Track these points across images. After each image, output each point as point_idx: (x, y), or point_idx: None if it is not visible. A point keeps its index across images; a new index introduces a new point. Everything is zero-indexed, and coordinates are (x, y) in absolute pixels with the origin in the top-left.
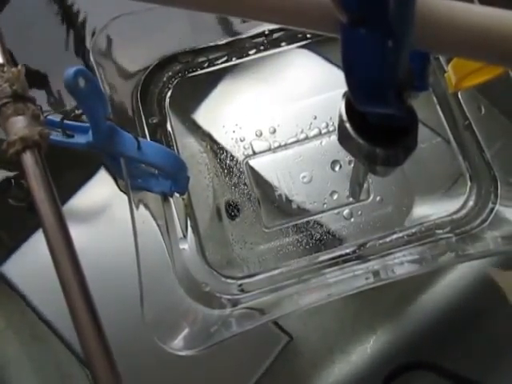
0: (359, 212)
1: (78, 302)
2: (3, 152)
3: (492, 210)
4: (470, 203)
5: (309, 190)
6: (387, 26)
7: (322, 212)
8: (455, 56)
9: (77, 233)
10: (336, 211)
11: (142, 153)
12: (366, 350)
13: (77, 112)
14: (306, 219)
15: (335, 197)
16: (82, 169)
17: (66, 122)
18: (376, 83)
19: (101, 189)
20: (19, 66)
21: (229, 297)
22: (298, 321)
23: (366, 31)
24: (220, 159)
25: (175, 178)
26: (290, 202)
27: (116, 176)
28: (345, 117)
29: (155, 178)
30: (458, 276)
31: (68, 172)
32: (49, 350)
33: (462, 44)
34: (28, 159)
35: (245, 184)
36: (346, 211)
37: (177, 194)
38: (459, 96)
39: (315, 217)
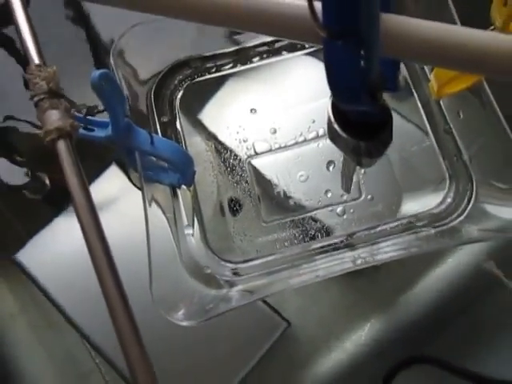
0: (351, 209)
1: (105, 274)
2: (41, 139)
3: (467, 205)
4: (449, 199)
5: (305, 188)
6: (359, 39)
7: (317, 209)
8: (415, 62)
9: None
10: (330, 208)
11: (155, 147)
12: (360, 337)
13: (99, 109)
14: (302, 215)
15: (329, 195)
16: (94, 164)
17: (88, 117)
18: (351, 85)
19: (111, 183)
20: (54, 67)
21: (227, 278)
22: (297, 310)
23: (342, 43)
24: (224, 158)
25: (183, 171)
26: (287, 198)
27: (130, 168)
28: (332, 116)
29: (165, 171)
30: (449, 269)
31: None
32: (59, 335)
33: (419, 52)
34: (62, 146)
35: (246, 182)
36: (339, 208)
37: (184, 187)
38: (441, 103)
39: (310, 213)
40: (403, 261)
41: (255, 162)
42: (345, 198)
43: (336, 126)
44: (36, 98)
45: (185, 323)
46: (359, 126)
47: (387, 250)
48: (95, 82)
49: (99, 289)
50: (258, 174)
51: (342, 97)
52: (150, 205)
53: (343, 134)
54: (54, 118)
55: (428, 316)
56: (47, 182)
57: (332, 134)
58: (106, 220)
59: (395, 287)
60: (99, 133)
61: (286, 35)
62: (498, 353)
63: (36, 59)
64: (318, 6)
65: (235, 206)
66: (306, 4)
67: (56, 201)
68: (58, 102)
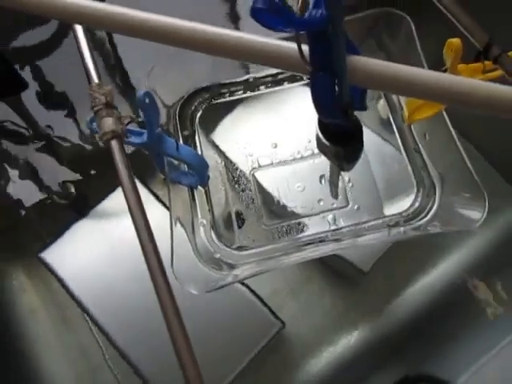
0: (340, 216)
1: (150, 251)
2: (99, 139)
3: (431, 209)
4: (416, 204)
5: (301, 197)
6: (334, 72)
7: (311, 215)
8: (373, 89)
9: (111, 225)
10: (322, 215)
11: (179, 153)
12: (349, 342)
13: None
14: (298, 220)
15: (321, 203)
16: (115, 175)
17: (128, 127)
18: (329, 104)
19: None
20: (110, 86)
21: (229, 261)
22: (292, 317)
23: (322, 74)
24: (232, 169)
25: (200, 173)
26: (285, 206)
27: (159, 170)
28: (318, 130)
29: (185, 174)
30: (431, 280)
31: (104, 177)
32: (74, 330)
33: (373, 82)
34: (115, 145)
35: (250, 190)
36: (329, 216)
37: (200, 188)
38: (412, 127)
39: (305, 218)
40: (390, 273)
41: (258, 173)
42: (335, 206)
43: (322, 137)
44: (96, 108)
45: (195, 292)
46: (338, 136)
47: (364, 244)
48: (140, 98)
49: (118, 286)
50: (260, 184)
51: (323, 113)
52: (172, 204)
53: (327, 143)
54: (110, 123)
55: (411, 323)
56: (73, 189)
57: (319, 144)
58: (127, 224)
59: (381, 297)
60: (136, 139)
61: (284, 68)
62: (475, 358)
63: (96, 79)
64: (305, 48)
65: (239, 213)
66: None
67: (79, 206)
68: (112, 111)
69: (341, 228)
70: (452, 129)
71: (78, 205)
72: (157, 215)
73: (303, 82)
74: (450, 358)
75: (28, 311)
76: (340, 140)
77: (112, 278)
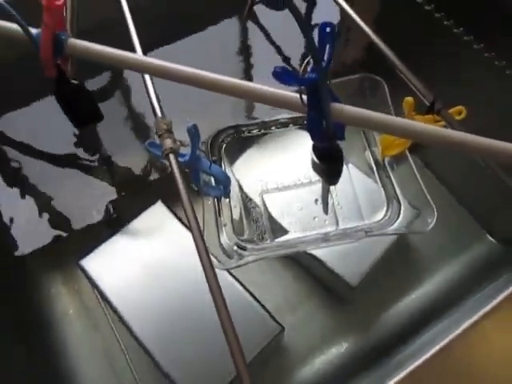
0: (330, 231)
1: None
2: (161, 154)
3: (396, 221)
4: (386, 217)
5: (300, 215)
6: (322, 112)
7: (307, 229)
8: (347, 124)
9: (144, 239)
10: (316, 231)
11: (211, 170)
12: (339, 352)
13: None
14: (296, 233)
15: (316, 220)
16: (143, 199)
17: None
18: (318, 133)
19: (157, 215)
20: (169, 119)
21: (239, 252)
22: (290, 329)
23: (314, 113)
24: (246, 191)
25: (224, 186)
26: (286, 221)
27: (194, 184)
28: (312, 152)
29: (213, 188)
30: (417, 296)
31: (135, 199)
32: (100, 335)
33: (347, 120)
34: (173, 158)
35: (259, 207)
36: (322, 230)
37: (223, 198)
38: (384, 160)
39: (303, 231)
40: (377, 288)
41: (266, 195)
42: (326, 222)
43: (314, 158)
44: (159, 133)
45: (218, 267)
46: (325, 156)
47: (346, 242)
48: (189, 128)
49: (149, 293)
50: (267, 204)
51: (314, 139)
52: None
53: (317, 161)
54: (169, 142)
55: (397, 335)
56: (111, 209)
57: (313, 164)
58: (158, 238)
59: (369, 311)
60: (181, 158)
61: (290, 109)
62: None
63: (159, 114)
64: (304, 97)
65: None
66: (298, 95)
67: (115, 223)
68: (171, 135)
69: (329, 232)
70: (412, 163)
71: (114, 222)
72: (179, 233)
73: (303, 126)
74: None
75: (62, 314)
76: (326, 159)
77: (143, 284)
